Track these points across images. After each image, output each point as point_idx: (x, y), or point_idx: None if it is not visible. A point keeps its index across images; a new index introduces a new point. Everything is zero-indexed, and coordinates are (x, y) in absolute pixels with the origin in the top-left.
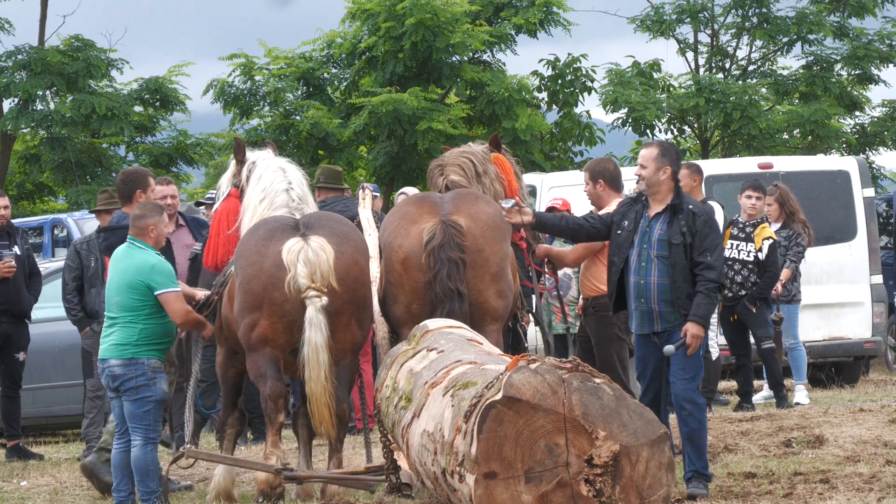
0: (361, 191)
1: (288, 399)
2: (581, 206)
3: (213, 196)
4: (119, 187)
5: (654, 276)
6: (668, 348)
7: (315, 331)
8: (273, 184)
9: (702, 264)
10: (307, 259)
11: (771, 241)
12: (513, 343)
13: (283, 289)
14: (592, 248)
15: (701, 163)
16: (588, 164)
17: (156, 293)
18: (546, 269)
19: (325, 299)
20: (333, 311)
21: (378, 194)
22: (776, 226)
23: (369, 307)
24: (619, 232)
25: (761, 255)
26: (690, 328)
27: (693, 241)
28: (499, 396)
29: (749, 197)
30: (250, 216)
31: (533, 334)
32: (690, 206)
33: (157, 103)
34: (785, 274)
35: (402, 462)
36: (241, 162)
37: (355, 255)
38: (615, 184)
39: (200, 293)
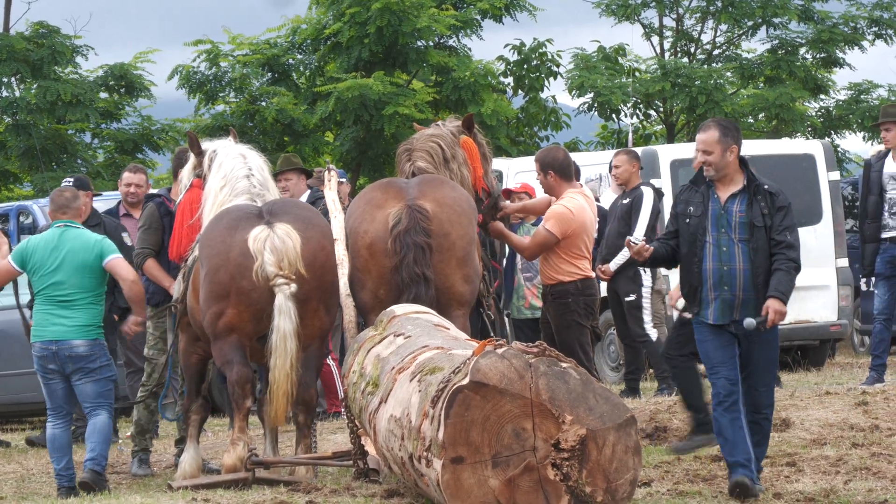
0: (327, 172)
1: (255, 385)
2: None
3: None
4: (174, 163)
5: (738, 262)
6: (749, 321)
7: (284, 318)
8: (233, 170)
9: (782, 243)
10: (274, 246)
11: None
12: (481, 328)
13: (251, 277)
14: (546, 244)
15: (667, 147)
16: (537, 155)
17: (104, 262)
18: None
19: (293, 286)
20: (302, 297)
21: (344, 180)
22: None
23: (336, 293)
24: (687, 221)
25: None
26: (773, 304)
27: (773, 221)
28: (466, 381)
29: None
30: (211, 203)
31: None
32: (766, 186)
33: (123, 90)
34: None
35: (370, 447)
36: (198, 154)
37: (322, 241)
38: (565, 173)
39: (170, 283)
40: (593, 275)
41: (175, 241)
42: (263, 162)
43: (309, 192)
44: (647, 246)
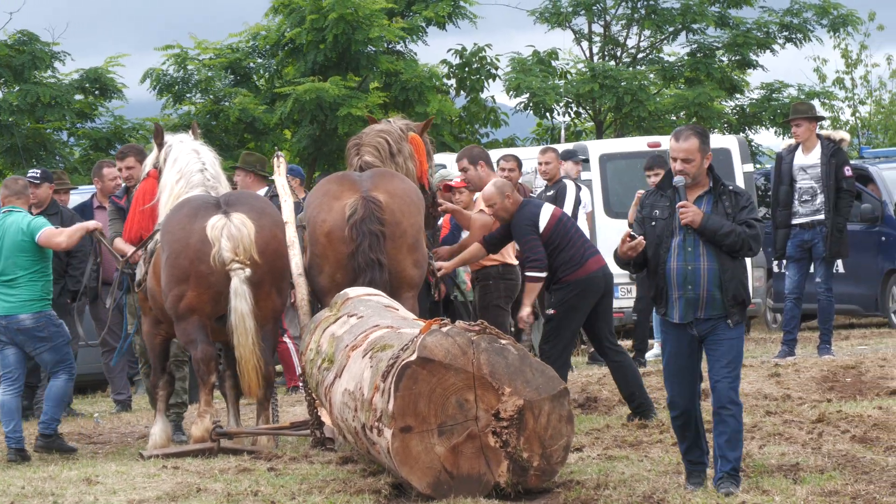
0: (276, 159)
1: (218, 362)
2: None
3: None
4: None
5: (703, 262)
6: (679, 179)
7: (240, 300)
8: (188, 165)
9: (744, 223)
10: (230, 234)
11: None
12: (430, 308)
13: (209, 262)
14: (487, 225)
15: (595, 142)
16: (462, 153)
17: (36, 239)
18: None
19: (248, 271)
20: (256, 281)
21: (299, 178)
22: None
23: (287, 277)
24: (653, 224)
25: None
26: (693, 208)
27: (735, 218)
28: (413, 357)
29: (652, 175)
30: (167, 195)
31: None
32: (731, 187)
33: (97, 92)
34: None
35: (326, 418)
36: (160, 145)
37: (273, 229)
38: (490, 164)
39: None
40: (515, 262)
41: (128, 224)
42: (214, 157)
43: (267, 188)
44: (643, 241)
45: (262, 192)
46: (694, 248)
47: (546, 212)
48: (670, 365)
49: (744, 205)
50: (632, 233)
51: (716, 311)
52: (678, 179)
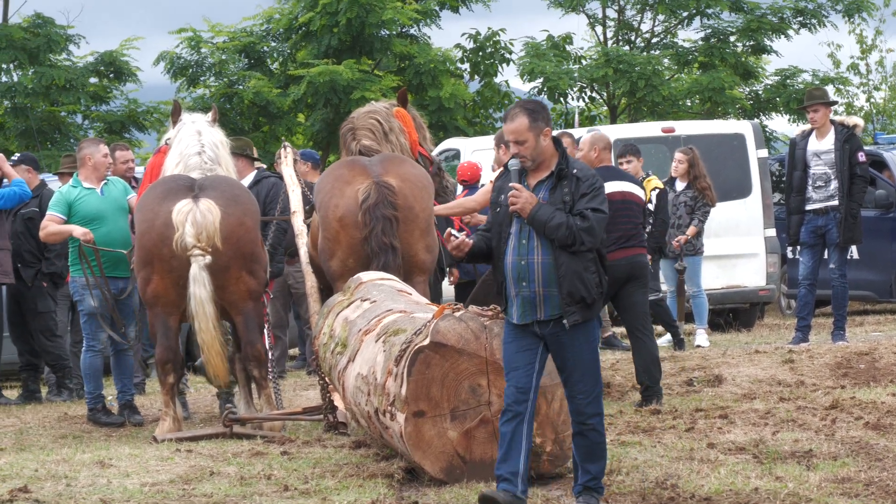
0: (283, 150)
1: (179, 364)
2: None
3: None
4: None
5: (537, 255)
6: (513, 162)
7: (199, 286)
8: (187, 147)
9: (578, 214)
10: (195, 220)
11: (658, 190)
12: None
13: (171, 246)
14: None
15: (609, 128)
16: (497, 135)
17: None
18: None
19: (208, 258)
20: (221, 266)
21: (306, 159)
22: (682, 185)
23: (259, 260)
24: (497, 210)
25: (650, 206)
26: (526, 194)
27: (574, 207)
28: (426, 342)
29: (624, 162)
30: None
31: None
32: (575, 171)
33: (111, 75)
34: (691, 230)
35: (339, 403)
36: (175, 123)
37: (242, 217)
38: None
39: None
40: None
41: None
42: (220, 139)
43: (255, 172)
44: (468, 241)
45: (251, 175)
46: (528, 241)
47: (611, 186)
48: (510, 358)
49: (584, 191)
50: (453, 232)
51: (555, 311)
52: (512, 162)
